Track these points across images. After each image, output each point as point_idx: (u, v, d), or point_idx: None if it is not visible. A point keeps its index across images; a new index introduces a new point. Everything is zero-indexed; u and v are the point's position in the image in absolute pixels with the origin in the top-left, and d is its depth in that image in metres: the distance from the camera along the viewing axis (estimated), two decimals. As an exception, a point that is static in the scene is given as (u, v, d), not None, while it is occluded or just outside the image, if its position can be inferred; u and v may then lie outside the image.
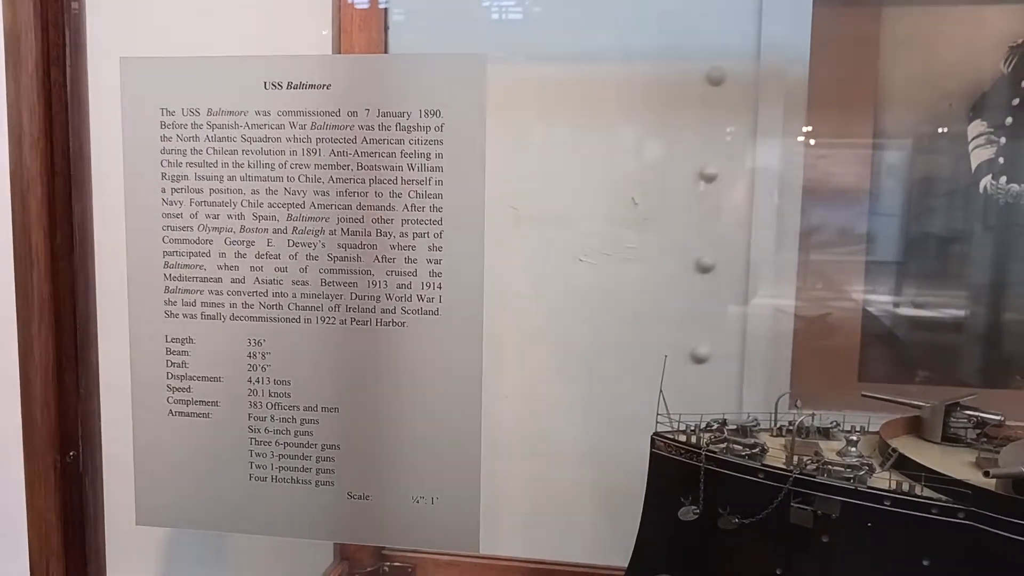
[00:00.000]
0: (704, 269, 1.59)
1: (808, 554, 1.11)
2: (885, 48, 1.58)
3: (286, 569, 1.54)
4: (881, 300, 1.60)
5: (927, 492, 1.04)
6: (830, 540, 1.08)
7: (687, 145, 1.57)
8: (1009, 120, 1.61)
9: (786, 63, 1.56)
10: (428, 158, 0.89)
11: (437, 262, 0.90)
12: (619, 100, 1.58)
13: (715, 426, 1.22)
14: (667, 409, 1.20)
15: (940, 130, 1.57)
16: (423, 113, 0.89)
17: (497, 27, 1.58)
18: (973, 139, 1.57)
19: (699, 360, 1.58)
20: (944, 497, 1.03)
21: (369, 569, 1.48)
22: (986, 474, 1.01)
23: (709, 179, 1.57)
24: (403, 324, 0.92)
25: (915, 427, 1.22)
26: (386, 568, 1.50)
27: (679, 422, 1.20)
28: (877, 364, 1.61)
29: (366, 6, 1.52)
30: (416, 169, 0.89)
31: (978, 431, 1.17)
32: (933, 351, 1.59)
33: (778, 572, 1.13)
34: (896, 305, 1.61)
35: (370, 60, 0.89)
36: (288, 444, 0.95)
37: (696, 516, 1.15)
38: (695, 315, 1.58)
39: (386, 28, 1.55)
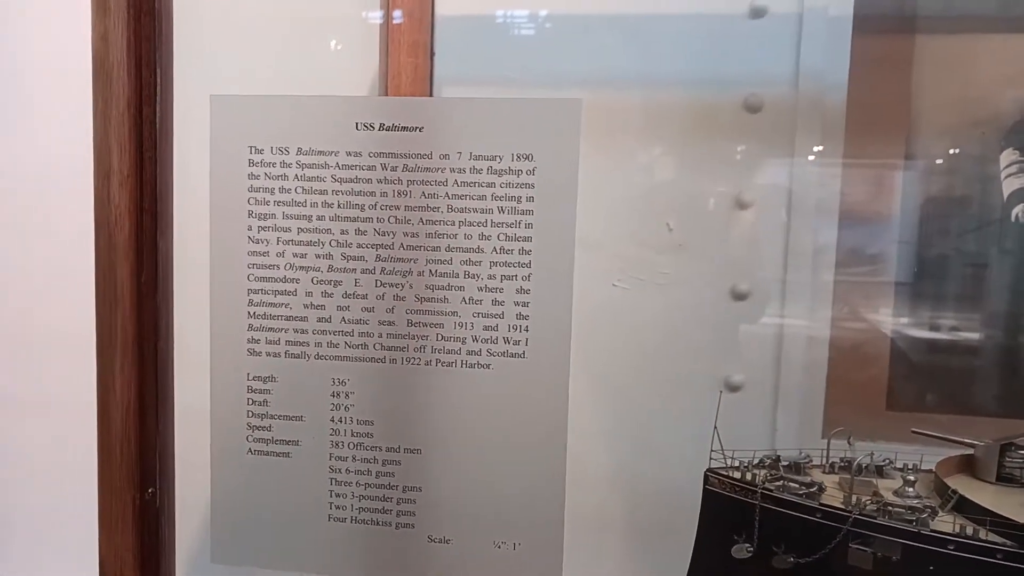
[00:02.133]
0: (739, 296, 1.59)
1: (869, 597, 1.12)
2: (920, 75, 1.60)
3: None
4: (909, 325, 1.62)
5: (991, 536, 1.06)
6: (892, 584, 1.10)
7: (724, 171, 1.57)
8: None
9: (824, 90, 1.57)
10: (519, 201, 0.89)
11: (525, 305, 0.90)
12: (656, 126, 1.59)
13: (768, 462, 1.23)
14: (721, 445, 1.20)
15: (970, 156, 1.59)
16: (516, 157, 0.89)
17: (535, 51, 1.59)
18: (1005, 167, 1.59)
19: (733, 388, 1.59)
20: (1008, 542, 1.04)
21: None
22: None
23: (745, 206, 1.57)
24: (489, 366, 0.91)
25: (968, 466, 1.23)
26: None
27: (732, 458, 1.21)
28: (905, 391, 1.62)
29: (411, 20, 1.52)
30: (507, 212, 0.89)
31: (1034, 472, 1.18)
32: (963, 378, 1.61)
33: (838, 615, 1.13)
34: (925, 331, 1.63)
35: (464, 103, 0.89)
36: (369, 485, 0.94)
37: (750, 554, 1.15)
38: (729, 342, 1.59)
39: (432, 54, 1.55)
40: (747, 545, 1.15)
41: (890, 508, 1.11)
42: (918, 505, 1.11)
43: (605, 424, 1.58)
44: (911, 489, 1.17)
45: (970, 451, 1.25)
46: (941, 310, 1.62)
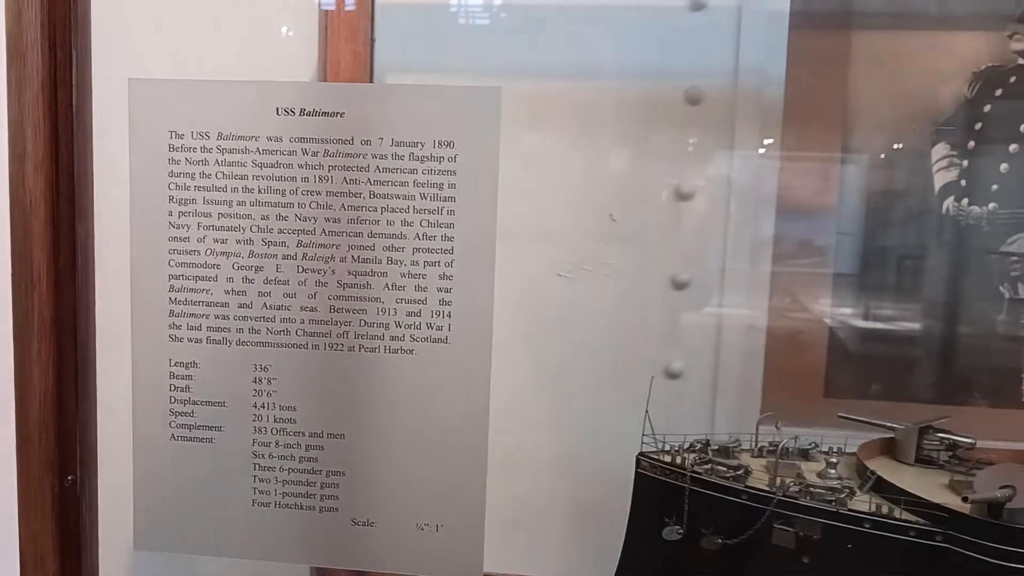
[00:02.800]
0: (679, 285, 1.61)
1: (788, 575, 1.15)
2: (856, 70, 1.63)
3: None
4: (846, 315, 1.66)
5: (906, 515, 1.09)
6: (810, 561, 1.12)
7: (665, 163, 1.59)
8: (971, 144, 1.68)
9: (763, 83, 1.60)
10: (441, 188, 0.90)
11: (447, 291, 0.91)
12: (598, 117, 1.60)
13: (698, 446, 1.26)
14: (652, 429, 1.22)
15: (904, 150, 1.63)
16: (437, 144, 0.90)
17: (475, 41, 1.59)
18: (937, 161, 1.63)
19: (673, 375, 1.61)
20: (922, 520, 1.08)
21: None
22: (964, 499, 1.06)
23: (686, 197, 1.60)
24: (412, 352, 0.92)
25: (889, 449, 1.27)
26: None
27: (663, 442, 1.23)
28: (842, 379, 1.66)
29: (352, 8, 1.51)
30: (428, 199, 0.90)
31: (950, 453, 1.22)
32: (896, 367, 1.65)
33: (763, 593, 1.16)
34: (861, 320, 1.67)
35: (385, 89, 0.90)
36: (293, 470, 0.95)
37: (680, 536, 1.17)
38: (670, 330, 1.61)
39: (372, 41, 1.54)
40: (677, 527, 1.18)
41: (812, 489, 1.14)
42: (838, 486, 1.15)
43: (549, 411, 1.60)
44: (833, 471, 1.20)
45: (891, 435, 1.29)
46: (878, 300, 1.66)
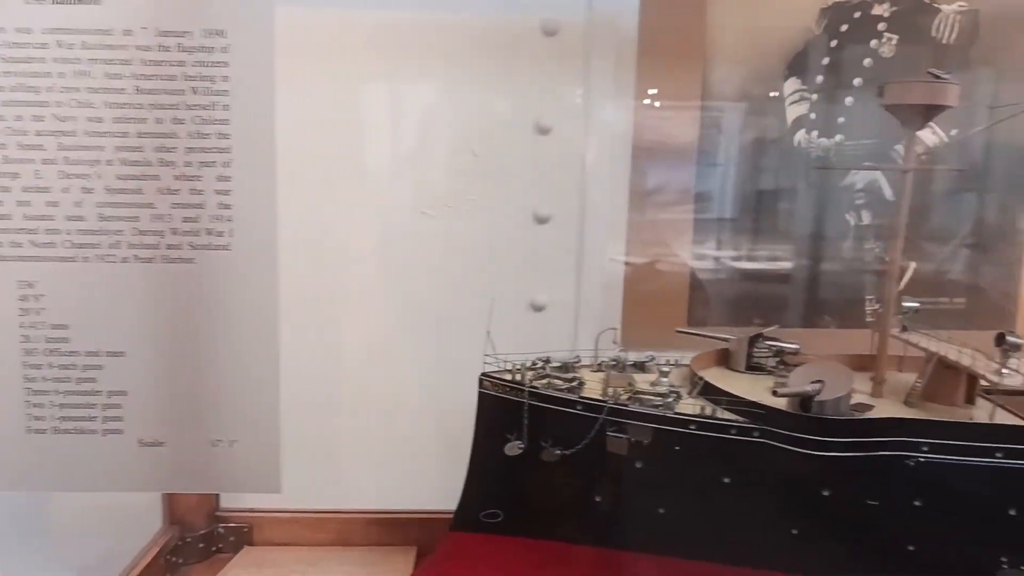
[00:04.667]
0: (541, 220, 1.59)
1: (624, 481, 1.15)
2: (713, 4, 1.63)
3: (110, 539, 1.46)
4: (703, 246, 1.67)
5: (727, 415, 1.10)
6: (643, 466, 1.13)
7: (524, 97, 1.56)
8: (820, 78, 1.71)
9: (617, 15, 1.58)
10: (213, 81, 0.84)
11: (226, 193, 0.86)
12: (456, 50, 1.55)
13: (539, 364, 1.24)
14: (494, 349, 1.20)
15: (759, 83, 1.64)
16: (206, 33, 0.83)
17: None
18: (789, 95, 1.64)
19: (537, 308, 1.60)
20: (742, 419, 1.09)
21: (202, 532, 1.42)
22: (775, 393, 1.07)
23: (545, 131, 1.57)
24: (191, 260, 0.87)
25: (724, 359, 1.28)
26: (220, 530, 1.44)
27: (506, 362, 1.21)
28: (703, 310, 1.67)
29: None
30: (200, 93, 0.84)
31: (778, 359, 1.24)
32: (750, 297, 1.67)
33: (597, 499, 1.16)
34: (717, 250, 1.68)
35: (144, -26, 0.83)
36: (70, 392, 0.88)
37: (521, 451, 1.16)
38: (534, 265, 1.59)
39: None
40: (518, 442, 1.16)
41: (641, 396, 1.14)
42: (666, 391, 1.15)
43: (417, 346, 1.56)
44: (665, 379, 1.20)
45: (726, 345, 1.30)
46: (735, 233, 1.68)
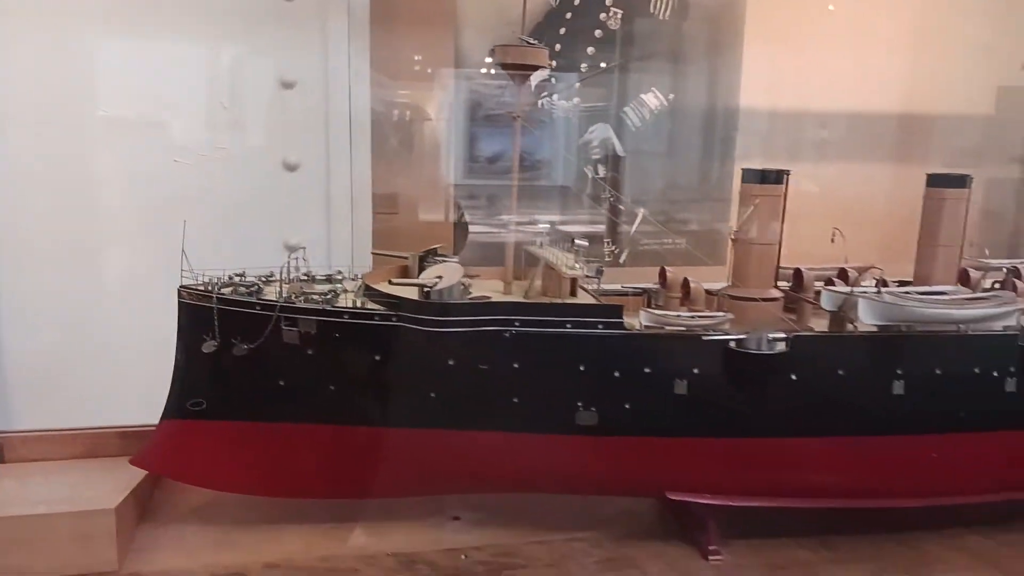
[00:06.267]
0: (291, 167, 1.77)
1: (299, 366, 1.38)
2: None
3: None
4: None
5: (373, 306, 1.35)
6: (314, 352, 1.37)
7: (267, 54, 1.74)
8: (558, 47, 1.97)
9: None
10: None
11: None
12: (204, 10, 1.70)
13: (235, 278, 1.45)
14: (190, 267, 1.38)
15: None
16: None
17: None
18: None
19: (291, 248, 1.69)
20: (382, 308, 1.34)
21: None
22: (390, 282, 1.34)
23: (288, 85, 1.75)
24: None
25: (403, 273, 1.53)
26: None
27: (203, 275, 1.40)
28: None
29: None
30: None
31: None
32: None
33: (281, 383, 1.40)
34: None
35: None
36: None
37: (215, 348, 1.37)
38: (286, 208, 1.77)
39: None
40: (213, 341, 1.38)
41: (307, 295, 1.37)
42: (326, 291, 1.39)
43: (171, 289, 1.67)
44: (337, 285, 1.44)
45: (406, 261, 1.55)
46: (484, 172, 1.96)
